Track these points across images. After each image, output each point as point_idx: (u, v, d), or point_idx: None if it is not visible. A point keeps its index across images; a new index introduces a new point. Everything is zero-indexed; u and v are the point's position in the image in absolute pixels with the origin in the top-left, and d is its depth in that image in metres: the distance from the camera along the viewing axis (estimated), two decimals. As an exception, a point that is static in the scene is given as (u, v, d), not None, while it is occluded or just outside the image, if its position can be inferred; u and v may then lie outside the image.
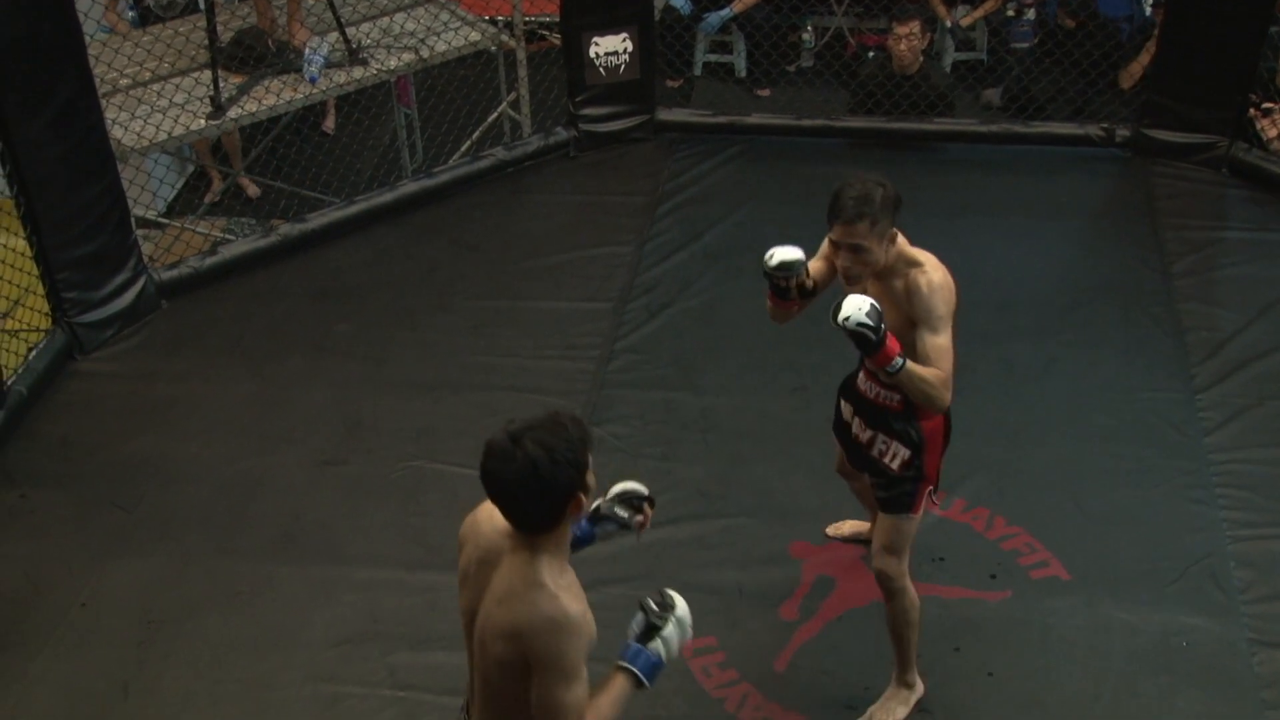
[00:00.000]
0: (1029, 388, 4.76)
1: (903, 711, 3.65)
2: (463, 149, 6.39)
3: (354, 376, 4.97)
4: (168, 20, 6.15)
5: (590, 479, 2.48)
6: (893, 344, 3.08)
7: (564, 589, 2.49)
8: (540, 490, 2.39)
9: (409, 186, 5.99)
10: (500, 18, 6.55)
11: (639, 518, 2.89)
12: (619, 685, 2.58)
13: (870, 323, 3.04)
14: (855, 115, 6.49)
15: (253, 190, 6.35)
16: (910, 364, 3.11)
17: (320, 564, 4.17)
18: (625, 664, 2.57)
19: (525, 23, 6.22)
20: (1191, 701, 3.64)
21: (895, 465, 3.37)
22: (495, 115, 6.50)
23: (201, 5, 5.83)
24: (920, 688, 3.68)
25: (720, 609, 3.95)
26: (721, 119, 6.46)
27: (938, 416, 3.34)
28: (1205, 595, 3.92)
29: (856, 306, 3.05)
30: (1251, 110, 5.81)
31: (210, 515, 4.36)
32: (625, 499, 2.88)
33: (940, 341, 3.14)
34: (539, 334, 5.11)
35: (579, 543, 2.78)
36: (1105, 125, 6.19)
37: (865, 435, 3.46)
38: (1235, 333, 4.95)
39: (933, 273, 3.16)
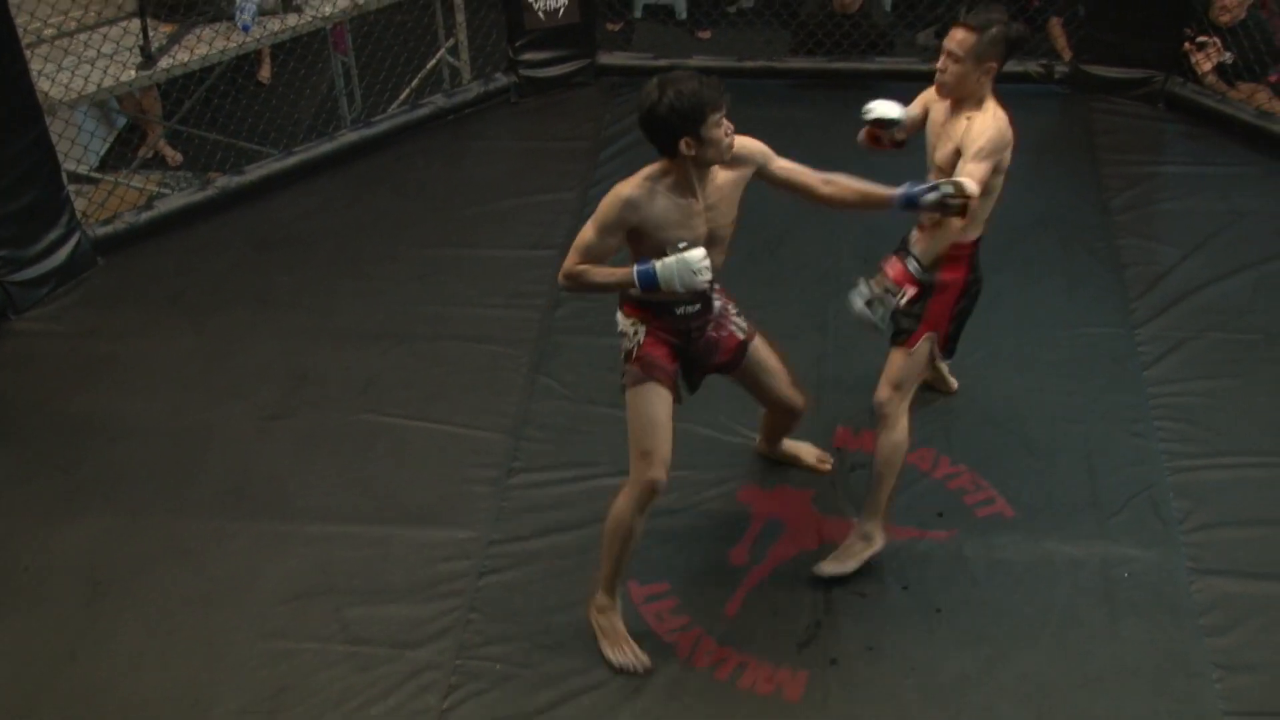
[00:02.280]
0: (972, 325, 4.77)
1: (853, 565, 3.85)
2: (402, 97, 6.31)
3: (299, 328, 4.92)
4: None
5: (711, 131, 3.24)
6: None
7: (641, 178, 3.35)
8: (653, 129, 3.25)
9: (349, 136, 5.91)
10: (436, -39, 6.45)
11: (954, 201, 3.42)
12: (618, 271, 3.38)
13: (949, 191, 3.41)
14: (796, 56, 6.46)
15: (173, 157, 6.22)
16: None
17: (270, 518, 4.15)
18: (634, 269, 3.33)
19: (462, -34, 6.13)
20: (1134, 630, 3.73)
21: (903, 302, 3.66)
22: (434, 62, 6.42)
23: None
24: (879, 542, 3.87)
25: (670, 555, 3.98)
26: (663, 62, 6.39)
27: (958, 271, 3.68)
28: (1146, 526, 4.00)
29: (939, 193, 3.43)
30: (1185, 45, 5.84)
31: (156, 472, 4.32)
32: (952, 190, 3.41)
33: (971, 167, 3.44)
34: (485, 282, 5.08)
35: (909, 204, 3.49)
36: (1043, 62, 6.21)
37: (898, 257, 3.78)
38: (1173, 266, 5.02)
39: (987, 117, 3.48)
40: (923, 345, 3.72)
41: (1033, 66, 6.18)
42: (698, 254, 3.30)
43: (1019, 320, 4.82)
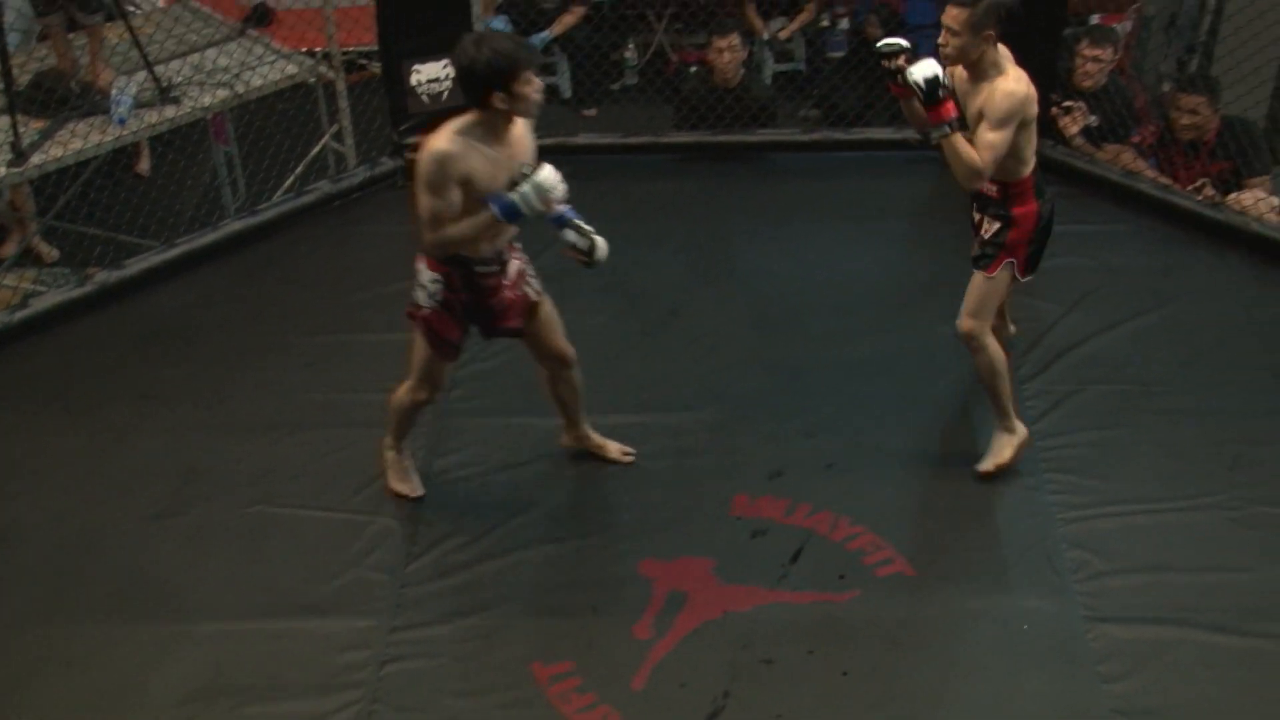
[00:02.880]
0: (868, 387, 4.86)
1: (1008, 453, 4.35)
2: (287, 184, 6.26)
3: (187, 422, 4.81)
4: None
5: (522, 88, 3.50)
6: (945, 111, 3.81)
7: (451, 132, 3.56)
8: (468, 79, 3.50)
9: (233, 225, 5.84)
10: (317, 50, 6.45)
11: (576, 254, 3.80)
12: (478, 218, 3.60)
13: (922, 84, 3.78)
14: (681, 130, 6.56)
15: (49, 254, 6.09)
16: (957, 137, 3.82)
17: (160, 620, 4.02)
18: (492, 207, 3.56)
19: (343, 54, 6.14)
20: (1036, 681, 3.76)
21: (986, 234, 4.15)
22: (318, 148, 6.39)
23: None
24: (1022, 431, 4.36)
25: (574, 632, 3.94)
26: (549, 140, 6.41)
27: (1028, 204, 4.09)
28: (1042, 578, 4.06)
29: (921, 68, 3.79)
30: (1052, 110, 6.05)
31: (38, 579, 4.17)
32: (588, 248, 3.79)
33: (990, 136, 3.83)
34: (377, 367, 5.01)
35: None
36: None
37: (977, 219, 4.23)
38: (1054, 323, 5.15)
39: (1008, 82, 3.84)
40: (1002, 271, 4.14)
41: (910, 134, 6.34)
42: (546, 171, 3.55)
43: (913, 380, 4.89)
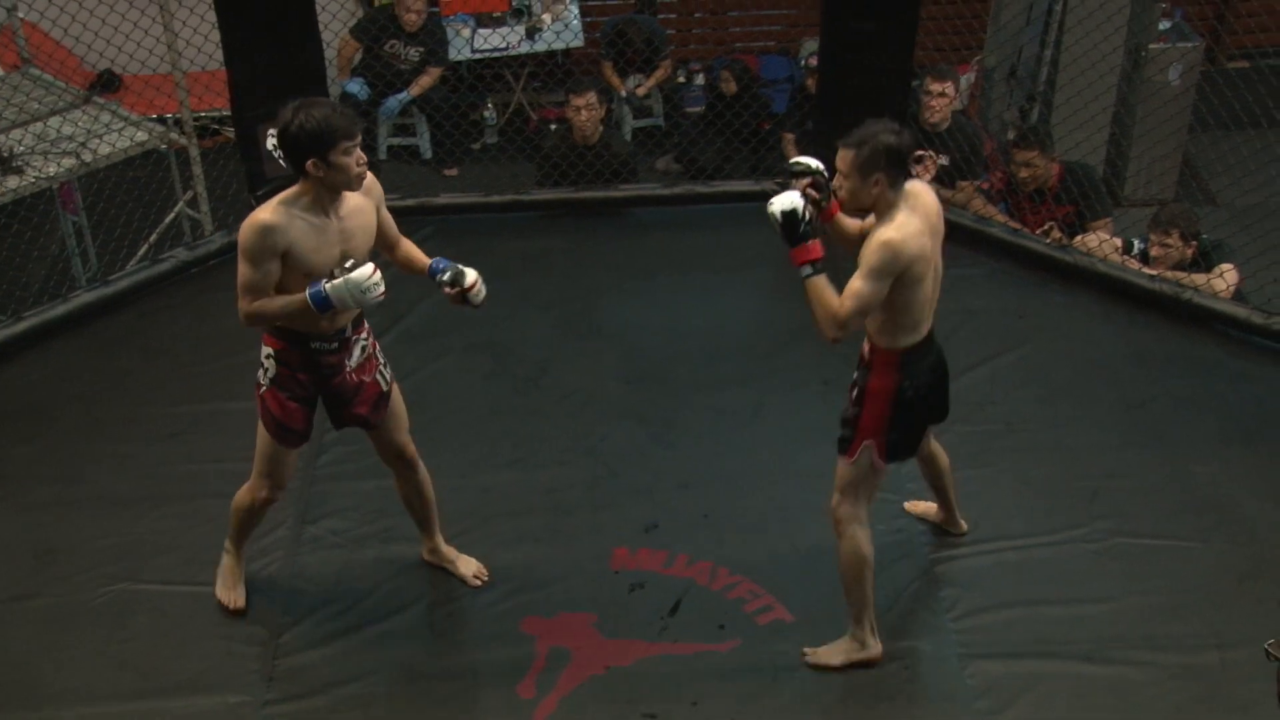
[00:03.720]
0: (739, 435, 4.91)
1: (838, 660, 3.91)
2: (141, 253, 6.11)
3: (42, 500, 4.63)
4: None
5: (339, 158, 3.36)
6: (806, 251, 3.47)
7: (276, 203, 3.45)
8: (284, 144, 3.39)
9: (85, 296, 5.66)
10: (168, 115, 6.33)
11: (450, 289, 3.68)
12: (294, 297, 3.47)
13: (778, 217, 3.47)
14: (543, 188, 6.59)
15: None
16: (819, 280, 3.48)
17: (18, 708, 3.83)
18: (306, 292, 3.44)
19: (195, 119, 6.03)
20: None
21: (846, 407, 3.76)
22: (173, 215, 6.26)
23: None
24: (873, 650, 3.91)
25: (457, 695, 3.88)
26: (411, 201, 6.42)
27: (886, 378, 3.66)
28: (916, 618, 4.13)
29: (780, 200, 3.49)
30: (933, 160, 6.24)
31: (-115, 673, 3.95)
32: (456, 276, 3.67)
33: (856, 285, 3.45)
34: (243, 436, 4.84)
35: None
36: (779, 180, 6.48)
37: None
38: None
39: (886, 231, 3.44)
40: (862, 454, 3.73)
41: (770, 185, 6.42)
42: (365, 270, 3.44)
43: (783, 427, 4.95)
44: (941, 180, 6.22)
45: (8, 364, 5.34)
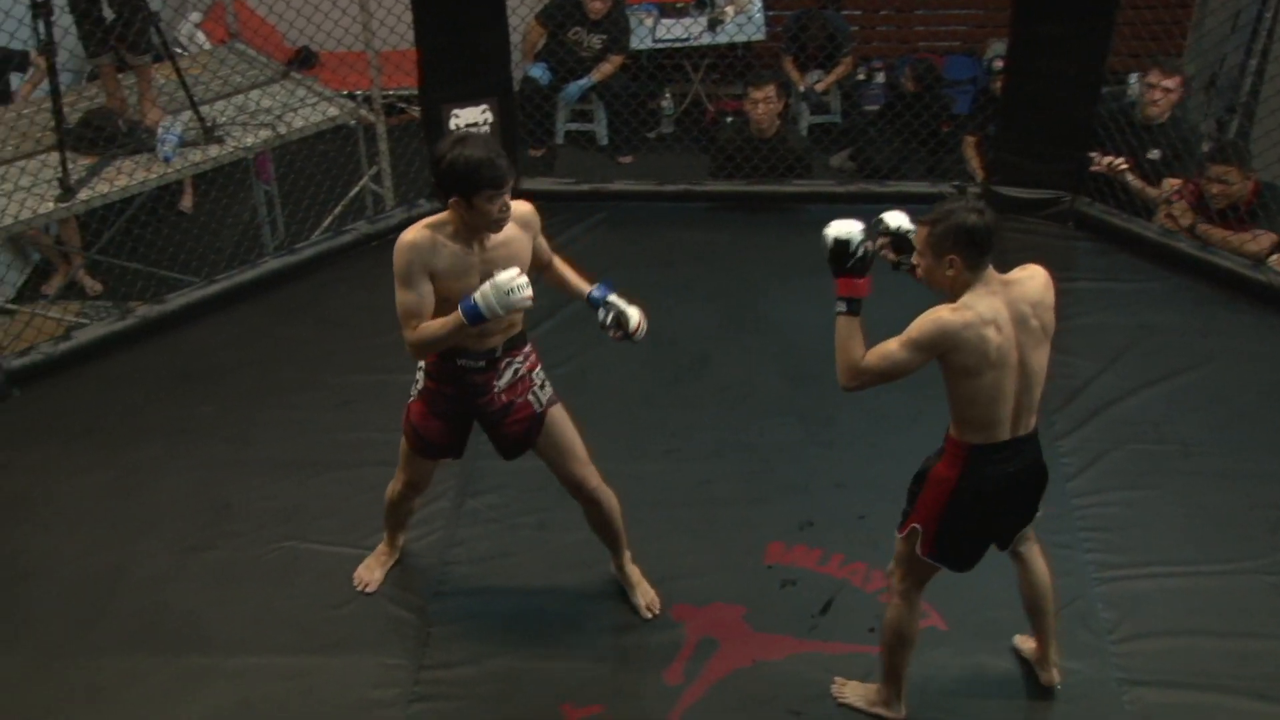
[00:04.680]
0: (897, 439, 4.83)
1: (862, 704, 3.78)
2: (325, 224, 6.32)
3: (219, 459, 4.83)
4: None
5: (482, 204, 3.36)
6: (848, 285, 3.30)
7: (422, 225, 3.51)
8: (434, 173, 3.42)
9: (271, 263, 5.89)
10: (359, 92, 6.53)
11: (614, 332, 3.68)
12: (449, 318, 3.46)
13: (829, 243, 3.31)
14: (716, 179, 6.59)
15: (93, 287, 6.17)
16: (850, 322, 3.30)
17: (188, 654, 4.02)
18: (459, 307, 3.43)
19: (384, 97, 6.21)
20: (1068, 741, 3.72)
21: (911, 484, 3.51)
22: (357, 189, 6.46)
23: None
24: (897, 714, 3.73)
25: (604, 676, 3.92)
26: (585, 187, 6.51)
27: (949, 470, 3.38)
28: (1075, 638, 4.01)
29: (836, 226, 3.32)
30: (1094, 166, 6.04)
31: (68, 611, 4.18)
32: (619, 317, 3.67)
33: (889, 346, 3.25)
34: (408, 407, 5.04)
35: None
36: (957, 183, 6.39)
37: None
38: (1089, 380, 5.12)
39: (939, 310, 3.22)
40: (910, 535, 3.47)
41: (946, 188, 6.36)
42: (509, 274, 3.38)
43: (938, 436, 4.83)
44: (1149, 179, 6.01)
45: (196, 325, 5.59)
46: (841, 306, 3.30)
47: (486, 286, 3.40)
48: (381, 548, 4.29)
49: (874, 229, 3.42)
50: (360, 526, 4.46)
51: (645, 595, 4.13)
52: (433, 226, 3.51)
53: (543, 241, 3.75)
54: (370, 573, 4.25)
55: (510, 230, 3.54)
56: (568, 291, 3.82)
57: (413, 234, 3.49)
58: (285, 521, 4.52)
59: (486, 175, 3.34)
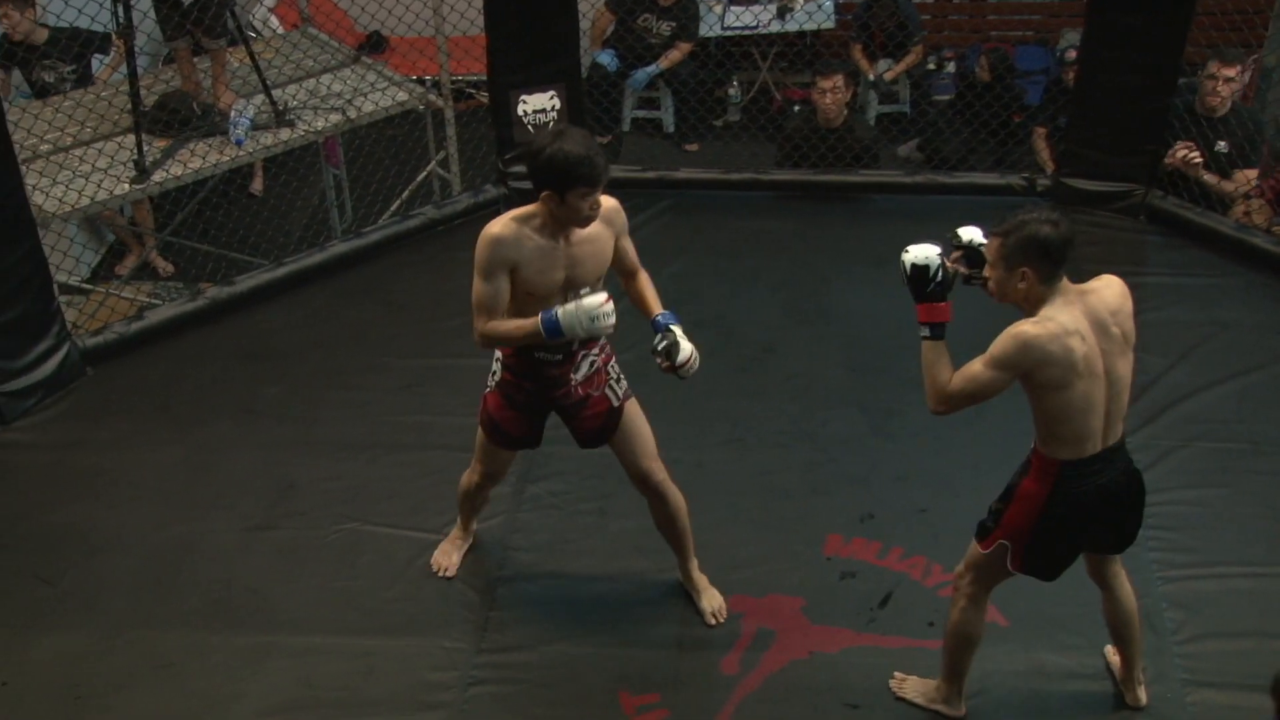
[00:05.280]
0: (960, 433, 4.79)
1: (922, 700, 3.75)
2: (393, 208, 6.38)
3: (285, 439, 4.90)
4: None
5: (575, 200, 3.35)
6: (931, 311, 3.27)
7: (508, 218, 3.48)
8: (529, 165, 3.39)
9: (339, 247, 5.95)
10: (428, 77, 6.57)
11: (662, 361, 3.62)
12: (527, 321, 3.48)
13: (907, 269, 3.28)
14: (782, 168, 6.56)
15: (165, 268, 6.28)
16: (936, 346, 3.28)
17: (252, 631, 4.09)
18: (539, 316, 3.45)
19: (453, 82, 6.25)
20: (1130, 741, 3.68)
21: (994, 501, 3.45)
22: (424, 174, 6.51)
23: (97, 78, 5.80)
24: (957, 711, 3.71)
25: (661, 665, 3.93)
26: (650, 174, 6.51)
27: (1038, 485, 3.31)
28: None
29: (917, 251, 3.28)
30: (1167, 160, 5.94)
31: (138, 585, 4.27)
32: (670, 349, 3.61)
33: (974, 369, 3.22)
34: (472, 392, 5.00)
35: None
36: (1026, 175, 6.32)
37: None
38: (1159, 376, 5.04)
39: (1021, 325, 3.16)
40: (997, 550, 3.40)
41: (1015, 179, 6.29)
42: (599, 298, 3.41)
43: (1009, 429, 4.77)
44: (1222, 169, 5.91)
45: (266, 307, 5.67)
46: (925, 331, 3.28)
47: (572, 306, 3.40)
48: (456, 532, 4.32)
49: (948, 242, 3.38)
50: (422, 510, 4.51)
51: (712, 601, 4.10)
52: (519, 219, 3.49)
53: (629, 245, 3.72)
54: (447, 557, 4.27)
55: (595, 226, 3.52)
56: (640, 308, 3.79)
57: (498, 227, 3.48)
58: (348, 502, 4.58)
59: (584, 173, 3.32)
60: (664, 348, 3.61)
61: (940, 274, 3.26)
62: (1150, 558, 4.23)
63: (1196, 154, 5.85)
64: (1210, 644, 3.95)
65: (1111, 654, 3.83)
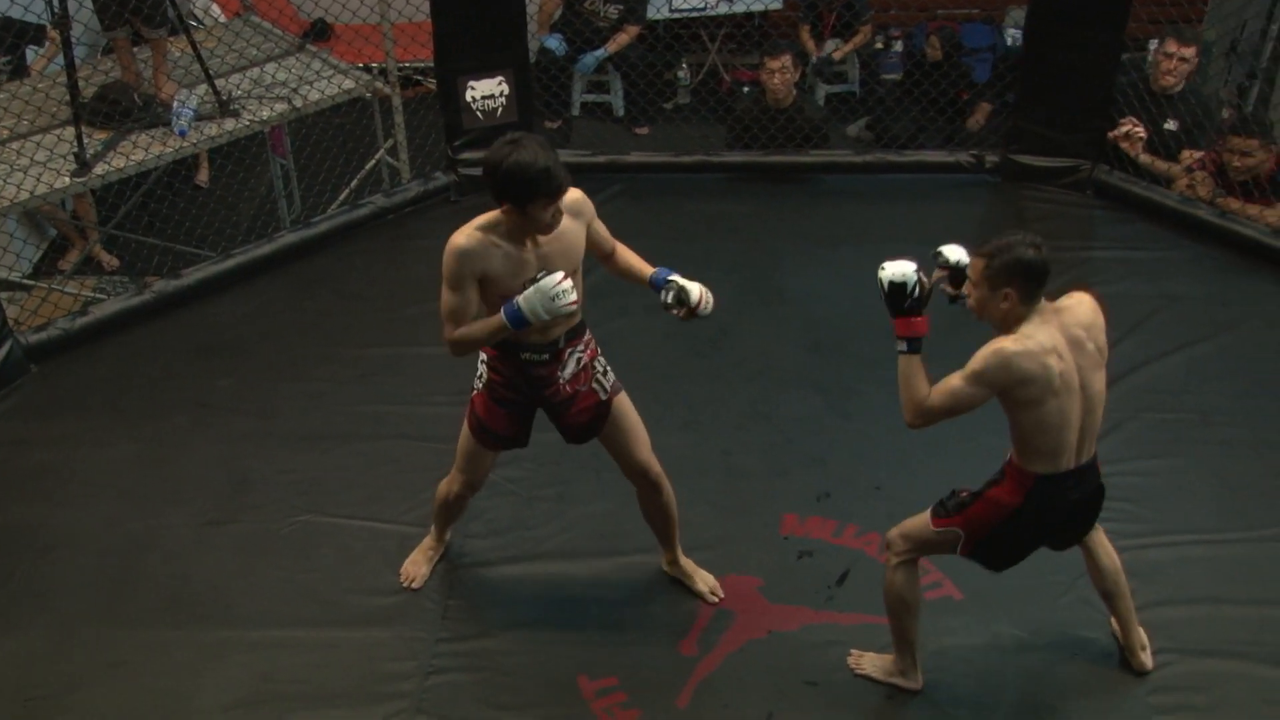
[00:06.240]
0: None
1: (879, 675, 3.79)
2: (341, 197, 6.33)
3: (239, 432, 4.86)
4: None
5: (536, 212, 3.31)
6: (906, 325, 3.33)
7: (473, 228, 3.45)
8: (488, 178, 3.34)
9: (288, 237, 5.90)
10: (374, 65, 6.52)
11: (678, 310, 3.65)
12: (491, 319, 3.45)
13: (884, 285, 3.35)
14: (732, 150, 6.57)
15: (109, 262, 6.19)
16: (912, 361, 3.33)
17: (210, 626, 4.05)
18: (501, 311, 3.42)
19: (399, 69, 6.20)
20: (1084, 712, 3.72)
21: (960, 489, 3.51)
22: (373, 162, 6.46)
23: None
24: (914, 682, 3.75)
25: (620, 648, 3.93)
26: (601, 158, 6.49)
27: (1007, 495, 3.39)
28: (1093, 606, 4.00)
29: (893, 268, 3.35)
30: (1110, 134, 6.00)
31: (92, 583, 4.21)
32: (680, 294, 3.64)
33: (953, 383, 3.28)
34: (428, 380, 5.05)
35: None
36: (975, 152, 6.35)
37: None
38: (1109, 348, 5.08)
39: (1001, 342, 3.23)
40: (947, 534, 3.48)
41: (964, 157, 6.32)
42: (553, 279, 3.38)
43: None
44: (1168, 149, 5.97)
45: (215, 300, 5.61)
46: (902, 346, 3.33)
47: (530, 291, 3.38)
48: (429, 541, 4.24)
49: (933, 261, 3.44)
50: (380, 500, 4.49)
51: (706, 581, 4.10)
52: (484, 228, 3.45)
53: (600, 227, 3.69)
54: (417, 568, 4.19)
55: (563, 222, 3.48)
56: (631, 279, 3.77)
57: (464, 239, 3.44)
58: (305, 494, 4.55)
59: (542, 186, 3.28)
60: (673, 297, 3.63)
61: (917, 290, 3.32)
62: (1105, 528, 4.27)
63: (1140, 129, 5.91)
64: (1164, 611, 4.00)
65: (1114, 624, 3.86)
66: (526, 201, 3.31)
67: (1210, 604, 4.02)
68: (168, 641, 4.00)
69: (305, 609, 4.10)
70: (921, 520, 3.55)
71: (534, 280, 3.41)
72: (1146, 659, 3.80)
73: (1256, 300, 5.40)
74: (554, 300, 3.37)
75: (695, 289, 3.64)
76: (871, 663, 3.82)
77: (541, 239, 3.47)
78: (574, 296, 3.40)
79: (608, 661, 3.89)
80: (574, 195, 3.53)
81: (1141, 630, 3.82)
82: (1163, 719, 3.68)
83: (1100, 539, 3.69)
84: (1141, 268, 5.64)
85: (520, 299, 3.39)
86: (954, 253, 3.45)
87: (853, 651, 3.86)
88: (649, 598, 4.11)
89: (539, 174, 3.27)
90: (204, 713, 3.78)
